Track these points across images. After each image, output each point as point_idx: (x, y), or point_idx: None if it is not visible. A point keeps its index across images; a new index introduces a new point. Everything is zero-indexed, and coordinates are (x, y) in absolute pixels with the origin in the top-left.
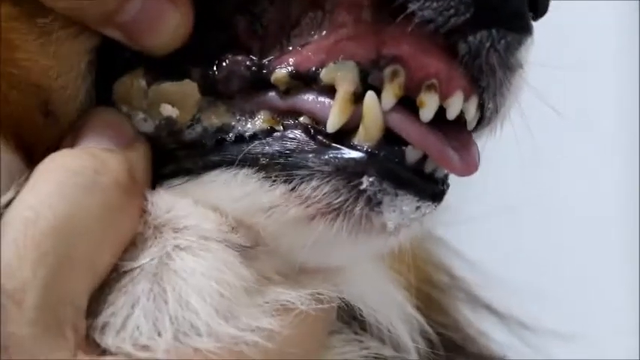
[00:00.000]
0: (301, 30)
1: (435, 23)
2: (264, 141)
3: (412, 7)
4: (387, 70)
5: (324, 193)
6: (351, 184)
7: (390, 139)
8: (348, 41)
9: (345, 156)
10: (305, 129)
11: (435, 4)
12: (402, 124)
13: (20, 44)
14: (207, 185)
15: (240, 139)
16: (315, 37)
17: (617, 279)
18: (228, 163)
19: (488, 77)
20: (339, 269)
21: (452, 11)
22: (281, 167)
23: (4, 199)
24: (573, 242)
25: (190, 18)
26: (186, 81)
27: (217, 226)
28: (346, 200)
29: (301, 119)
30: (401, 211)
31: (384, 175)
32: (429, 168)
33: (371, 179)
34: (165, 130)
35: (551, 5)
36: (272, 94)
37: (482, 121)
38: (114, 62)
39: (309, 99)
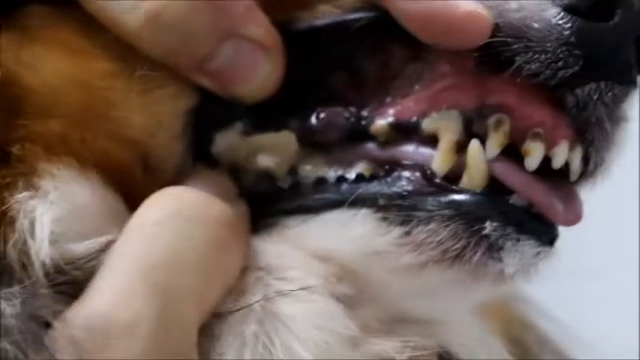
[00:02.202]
0: (402, 81)
1: (543, 76)
2: (382, 181)
3: (519, 60)
4: (492, 119)
5: (441, 238)
6: (473, 228)
7: (494, 187)
8: (450, 90)
9: (466, 199)
10: (422, 171)
11: (542, 57)
12: (506, 172)
13: (118, 101)
14: (324, 226)
15: (360, 178)
16: (416, 88)
17: None
18: (348, 203)
19: (594, 130)
20: (439, 318)
21: (560, 64)
22: (398, 208)
23: (108, 238)
24: None
25: (282, 67)
26: (285, 132)
27: (323, 277)
28: (465, 246)
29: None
30: (522, 256)
31: (507, 219)
32: None
33: (495, 224)
34: (263, 181)
35: None
36: (370, 144)
37: (584, 173)
38: (213, 115)
39: (409, 149)
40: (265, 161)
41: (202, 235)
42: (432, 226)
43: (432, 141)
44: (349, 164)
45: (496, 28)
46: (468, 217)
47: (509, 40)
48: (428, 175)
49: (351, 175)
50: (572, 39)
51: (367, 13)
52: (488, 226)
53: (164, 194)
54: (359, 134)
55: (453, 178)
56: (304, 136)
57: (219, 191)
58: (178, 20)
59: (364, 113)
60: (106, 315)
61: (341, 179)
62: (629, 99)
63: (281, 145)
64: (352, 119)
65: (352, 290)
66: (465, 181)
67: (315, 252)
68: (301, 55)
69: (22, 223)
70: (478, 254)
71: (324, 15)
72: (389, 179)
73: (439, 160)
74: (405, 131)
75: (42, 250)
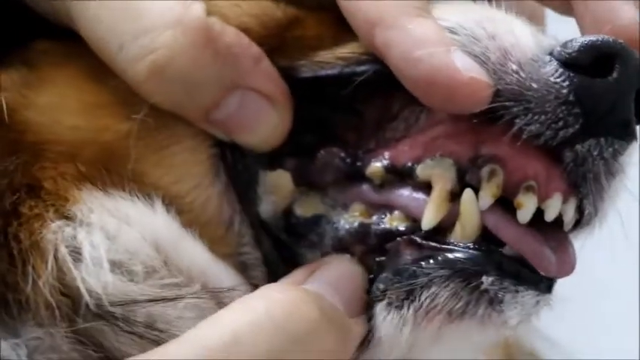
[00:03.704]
0: (398, 123)
1: (544, 137)
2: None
3: (519, 122)
4: (485, 170)
5: (444, 300)
6: (471, 285)
7: (486, 237)
8: (445, 138)
9: (459, 257)
10: (410, 240)
11: (542, 118)
12: (498, 224)
13: (136, 158)
14: None
15: None
16: (412, 131)
17: None
18: None
19: (590, 184)
20: None
21: (560, 123)
22: (398, 282)
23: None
24: None
25: (288, 118)
26: (280, 171)
27: None
28: (467, 303)
29: (395, 213)
30: (522, 307)
31: (503, 272)
32: None
33: (491, 278)
34: None
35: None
36: (366, 186)
37: (580, 221)
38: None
39: (403, 194)
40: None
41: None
42: (433, 289)
43: (426, 186)
44: (344, 206)
45: (496, 93)
46: (464, 275)
47: (508, 103)
48: (417, 241)
49: (348, 217)
50: (571, 97)
51: (369, 66)
52: (485, 281)
53: (262, 295)
54: (355, 176)
55: (444, 227)
56: (300, 175)
57: (352, 300)
58: (183, 73)
59: (360, 154)
60: None
61: None
62: (628, 152)
63: (276, 184)
64: (348, 160)
65: None
66: (457, 232)
67: None
68: (301, 99)
69: (60, 252)
70: (481, 309)
71: (327, 65)
72: (385, 257)
73: (431, 208)
74: (399, 175)
75: (90, 277)
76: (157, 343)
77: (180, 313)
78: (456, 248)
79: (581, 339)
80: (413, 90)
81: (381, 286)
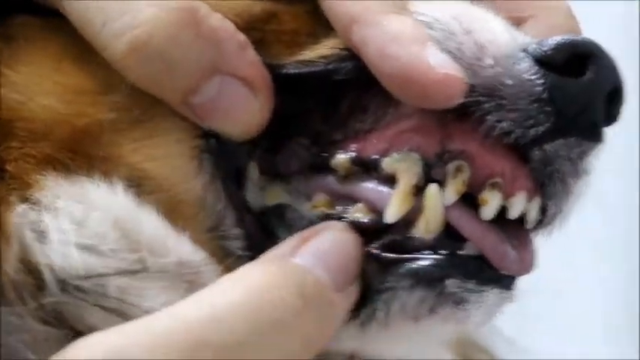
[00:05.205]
0: (368, 116)
1: (515, 135)
2: None
3: (491, 119)
4: (451, 165)
5: (410, 306)
6: (436, 290)
7: (448, 232)
8: (413, 132)
9: (422, 266)
10: (370, 255)
11: (513, 115)
12: (462, 220)
13: (113, 145)
14: None
15: None
16: (381, 124)
17: None
18: None
19: (556, 184)
20: None
21: (532, 122)
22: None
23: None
24: None
25: (269, 108)
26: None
27: None
28: (432, 306)
29: (359, 205)
30: (487, 306)
31: (466, 274)
32: None
33: (455, 281)
34: None
35: None
36: (330, 178)
37: (542, 221)
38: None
39: (368, 187)
40: None
41: (275, 341)
42: (398, 300)
43: (391, 180)
44: (307, 196)
45: (470, 88)
46: (428, 281)
47: (481, 99)
48: (375, 254)
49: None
50: (545, 95)
51: (348, 63)
52: (449, 284)
53: (241, 276)
54: (320, 166)
55: (408, 221)
56: (265, 164)
57: (343, 270)
58: (163, 51)
59: (327, 146)
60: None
61: None
62: (595, 153)
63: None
64: (314, 150)
65: None
66: (420, 226)
67: None
68: (277, 92)
69: (26, 235)
70: (446, 310)
71: (310, 63)
72: None
73: (396, 202)
74: (365, 167)
75: (54, 258)
76: (132, 317)
77: (148, 284)
78: (417, 256)
79: (539, 338)
80: (388, 86)
81: None
